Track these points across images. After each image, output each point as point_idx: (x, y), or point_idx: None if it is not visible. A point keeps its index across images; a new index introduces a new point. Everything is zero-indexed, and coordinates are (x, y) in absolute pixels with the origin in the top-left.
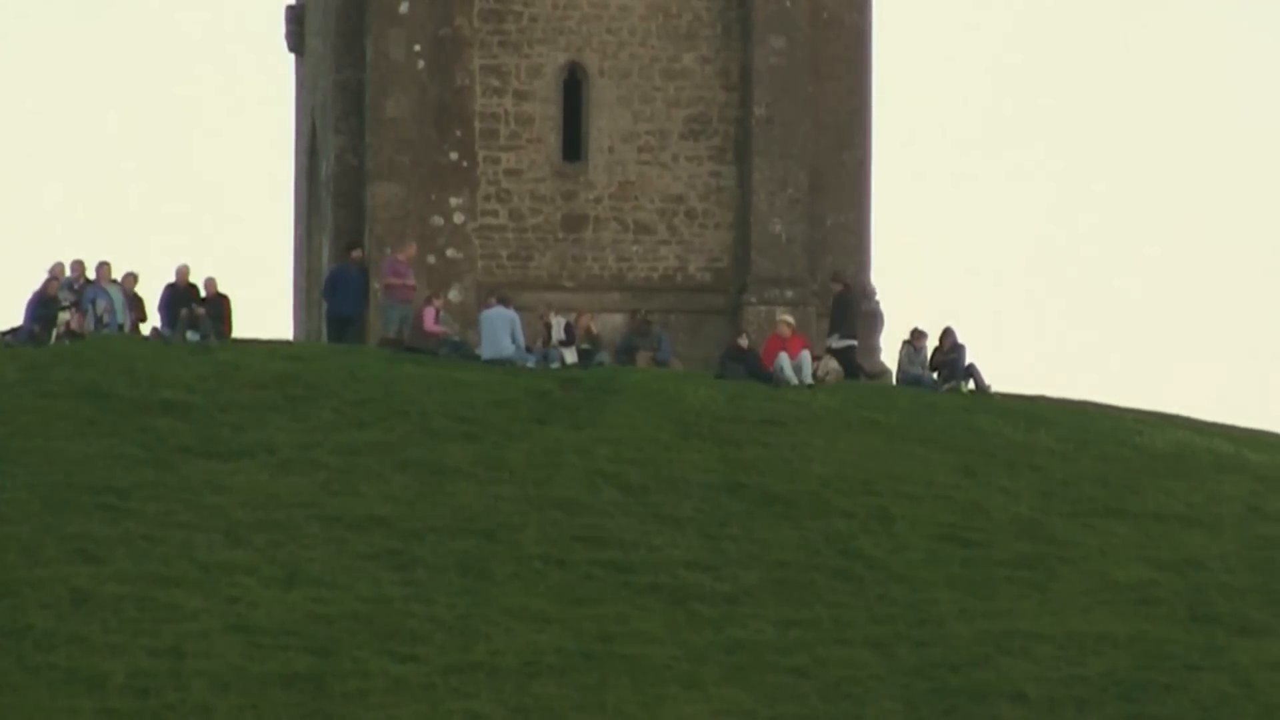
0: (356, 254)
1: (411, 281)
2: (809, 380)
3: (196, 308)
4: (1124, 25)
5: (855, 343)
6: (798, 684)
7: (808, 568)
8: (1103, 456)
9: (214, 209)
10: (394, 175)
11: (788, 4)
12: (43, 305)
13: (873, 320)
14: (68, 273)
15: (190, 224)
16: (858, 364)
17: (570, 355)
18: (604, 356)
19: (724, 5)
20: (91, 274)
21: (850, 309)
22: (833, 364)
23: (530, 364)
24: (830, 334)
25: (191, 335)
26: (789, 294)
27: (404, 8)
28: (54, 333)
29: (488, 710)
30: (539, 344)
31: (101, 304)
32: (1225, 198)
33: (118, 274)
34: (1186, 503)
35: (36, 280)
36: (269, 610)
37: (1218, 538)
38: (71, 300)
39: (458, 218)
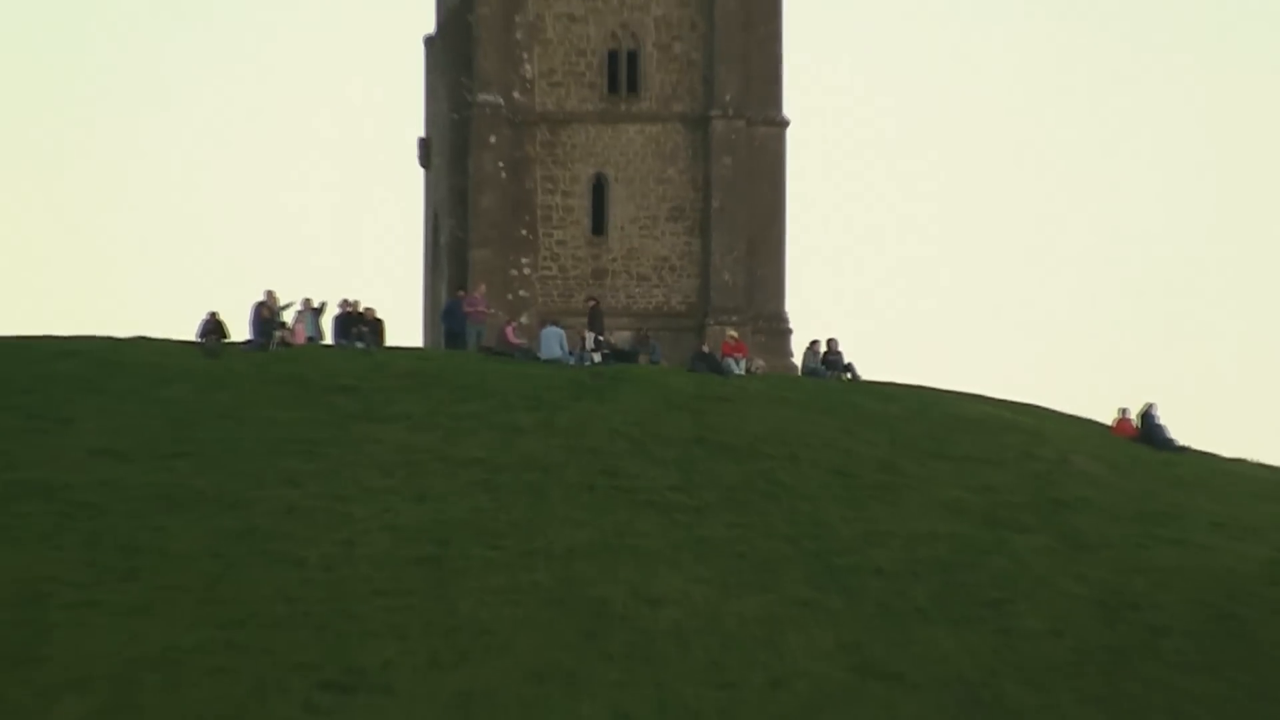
0: (462, 294)
1: (483, 308)
2: (744, 372)
3: (362, 327)
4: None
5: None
6: (739, 564)
7: (747, 490)
8: (931, 420)
9: (376, 265)
10: (486, 244)
11: (733, 136)
12: (263, 324)
13: (785, 335)
14: (282, 300)
15: (359, 274)
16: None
17: (597, 358)
18: (615, 361)
19: (693, 138)
20: (291, 303)
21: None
22: (760, 361)
23: (571, 363)
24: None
25: (359, 345)
26: (734, 319)
27: (492, 139)
28: (271, 343)
29: (544, 580)
30: (577, 350)
31: (304, 325)
32: (1024, 227)
33: (315, 305)
34: (984, 449)
35: (245, 306)
36: (407, 517)
37: (1002, 471)
38: (280, 322)
39: (526, 271)
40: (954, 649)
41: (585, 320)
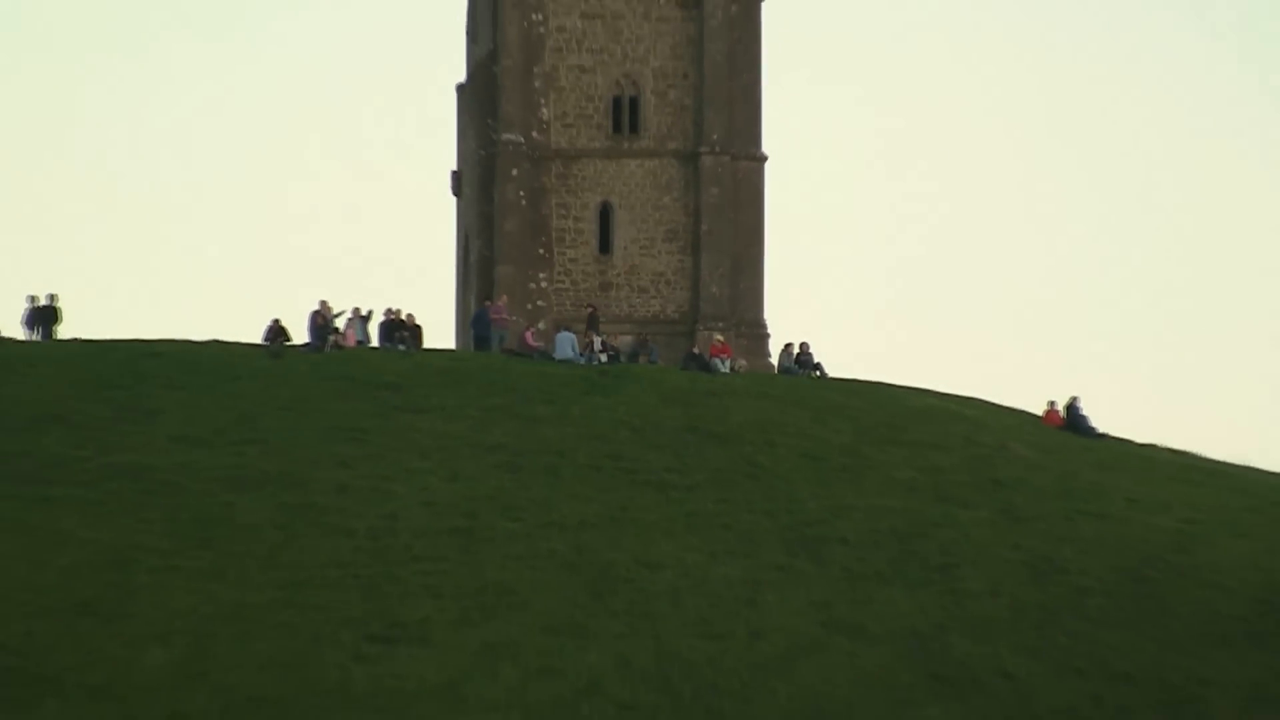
0: (488, 304)
1: (506, 316)
2: (728, 371)
3: (403, 332)
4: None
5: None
6: (724, 534)
7: (730, 472)
8: (889, 411)
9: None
10: (509, 261)
11: (719, 170)
12: (320, 329)
13: (764, 339)
14: (335, 309)
15: (401, 286)
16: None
17: (604, 358)
18: (622, 359)
19: (685, 171)
20: (343, 311)
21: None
22: (742, 361)
23: (582, 363)
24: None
25: (400, 347)
26: (720, 325)
27: (514, 172)
28: (326, 346)
29: (559, 547)
30: (587, 352)
31: (354, 330)
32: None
33: (363, 313)
34: (933, 436)
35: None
36: (442, 494)
37: (949, 455)
38: (334, 327)
39: (543, 284)
40: (908, 607)
41: (584, 324)
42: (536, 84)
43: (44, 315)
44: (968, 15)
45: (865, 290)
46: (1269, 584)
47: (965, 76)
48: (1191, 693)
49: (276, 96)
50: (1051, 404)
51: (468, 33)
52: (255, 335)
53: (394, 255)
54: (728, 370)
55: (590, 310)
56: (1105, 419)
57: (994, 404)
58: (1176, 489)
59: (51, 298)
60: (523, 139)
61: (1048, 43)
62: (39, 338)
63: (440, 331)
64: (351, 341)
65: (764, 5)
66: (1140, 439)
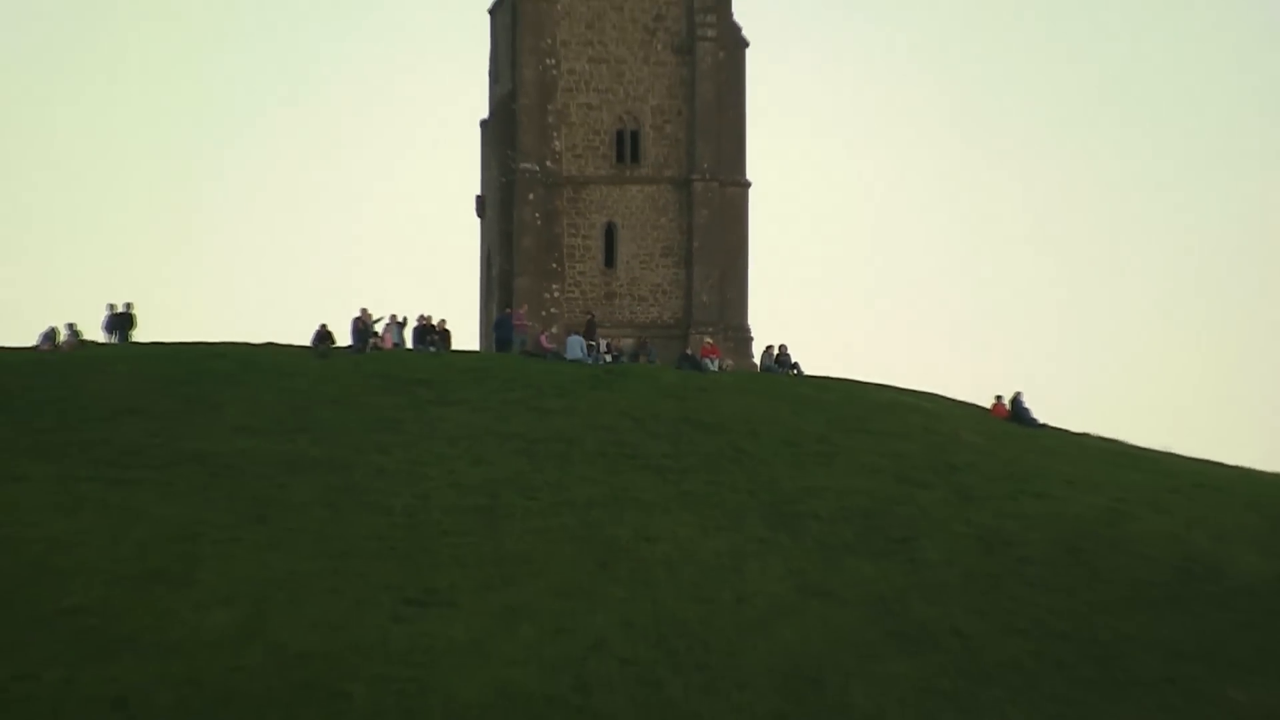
0: (508, 311)
1: (527, 322)
2: (717, 369)
3: (434, 335)
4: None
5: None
6: (713, 511)
7: (719, 457)
8: (856, 404)
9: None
10: (526, 274)
11: (709, 195)
12: (361, 333)
13: (748, 342)
14: (374, 315)
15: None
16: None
17: (609, 358)
18: (624, 361)
19: (679, 195)
20: (381, 317)
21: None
22: (729, 361)
23: (589, 362)
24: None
25: (431, 349)
26: (709, 329)
27: (531, 196)
28: (366, 347)
29: (569, 523)
30: (594, 353)
31: (391, 334)
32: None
33: (399, 319)
34: (895, 426)
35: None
36: (467, 476)
37: (909, 442)
38: (373, 331)
39: (555, 294)
40: (873, 574)
41: (584, 328)
42: (550, 120)
43: (121, 321)
44: (924, 58)
45: (837, 298)
46: (1187, 554)
47: (915, 116)
48: (1119, 649)
49: (327, 134)
50: (998, 398)
51: (490, 75)
52: (305, 339)
53: (426, 268)
54: (716, 369)
55: (589, 317)
56: (1045, 411)
57: (948, 398)
58: (1107, 472)
59: (128, 306)
60: (538, 167)
61: (989, 84)
62: (117, 340)
63: (466, 335)
64: (389, 344)
65: (748, 52)
66: (1075, 428)
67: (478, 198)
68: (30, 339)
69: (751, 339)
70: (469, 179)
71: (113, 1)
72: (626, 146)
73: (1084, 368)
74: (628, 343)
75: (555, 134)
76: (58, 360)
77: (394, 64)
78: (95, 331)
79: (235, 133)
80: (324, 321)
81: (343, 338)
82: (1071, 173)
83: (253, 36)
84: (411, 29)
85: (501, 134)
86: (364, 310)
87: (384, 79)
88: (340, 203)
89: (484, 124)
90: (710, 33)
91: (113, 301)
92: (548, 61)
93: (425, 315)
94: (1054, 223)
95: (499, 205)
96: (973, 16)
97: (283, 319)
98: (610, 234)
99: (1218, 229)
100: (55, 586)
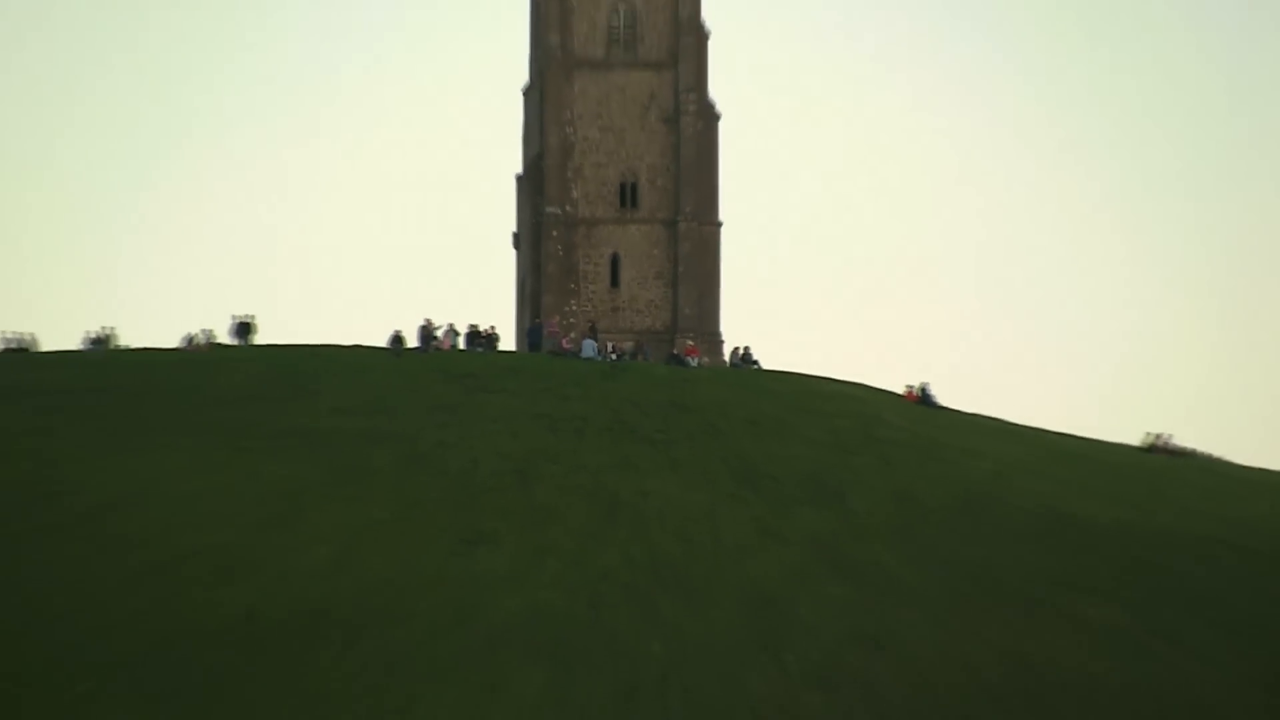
0: (538, 321)
1: (555, 330)
2: (696, 366)
3: (483, 339)
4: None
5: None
6: (694, 474)
7: (697, 433)
8: (802, 391)
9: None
10: (551, 293)
11: (690, 232)
12: (426, 337)
13: (719, 344)
14: (435, 322)
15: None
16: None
17: (614, 357)
18: (626, 359)
19: (668, 233)
20: (442, 325)
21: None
22: (705, 359)
23: (599, 360)
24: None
25: (480, 349)
26: (690, 335)
27: (554, 234)
28: (430, 349)
29: (585, 483)
30: (604, 353)
31: (449, 338)
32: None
33: (456, 328)
34: (834, 408)
35: (415, 327)
36: (506, 447)
37: (843, 420)
38: (435, 336)
39: (573, 308)
40: (815, 521)
41: (589, 333)
42: (569, 175)
43: (244, 329)
44: (859, 127)
45: (789, 310)
46: (1052, 507)
47: (853, 170)
48: (1004, 578)
49: (402, 186)
50: (909, 387)
51: (523, 140)
52: (383, 341)
53: (476, 288)
54: (696, 365)
55: (590, 325)
56: (946, 397)
57: (873, 387)
58: (993, 444)
59: (249, 316)
60: (560, 211)
61: (912, 141)
62: (241, 343)
63: (506, 340)
64: (446, 346)
65: (720, 123)
66: (968, 410)
67: (514, 234)
68: (174, 341)
69: (723, 342)
70: (508, 220)
71: (239, 39)
72: (627, 195)
73: (976, 364)
74: (628, 345)
75: (573, 186)
76: (196, 358)
77: (457, 134)
78: (224, 336)
79: (334, 190)
80: (398, 329)
81: (411, 341)
82: (968, 214)
83: (359, 120)
84: (464, 106)
85: (532, 186)
86: (428, 320)
87: (450, 145)
88: (413, 238)
89: (519, 178)
90: (691, 108)
91: (236, 313)
92: (567, 130)
93: (475, 324)
94: (956, 255)
95: (530, 240)
96: (902, 91)
97: (366, 326)
98: (615, 262)
99: (1083, 232)
100: (197, 528)
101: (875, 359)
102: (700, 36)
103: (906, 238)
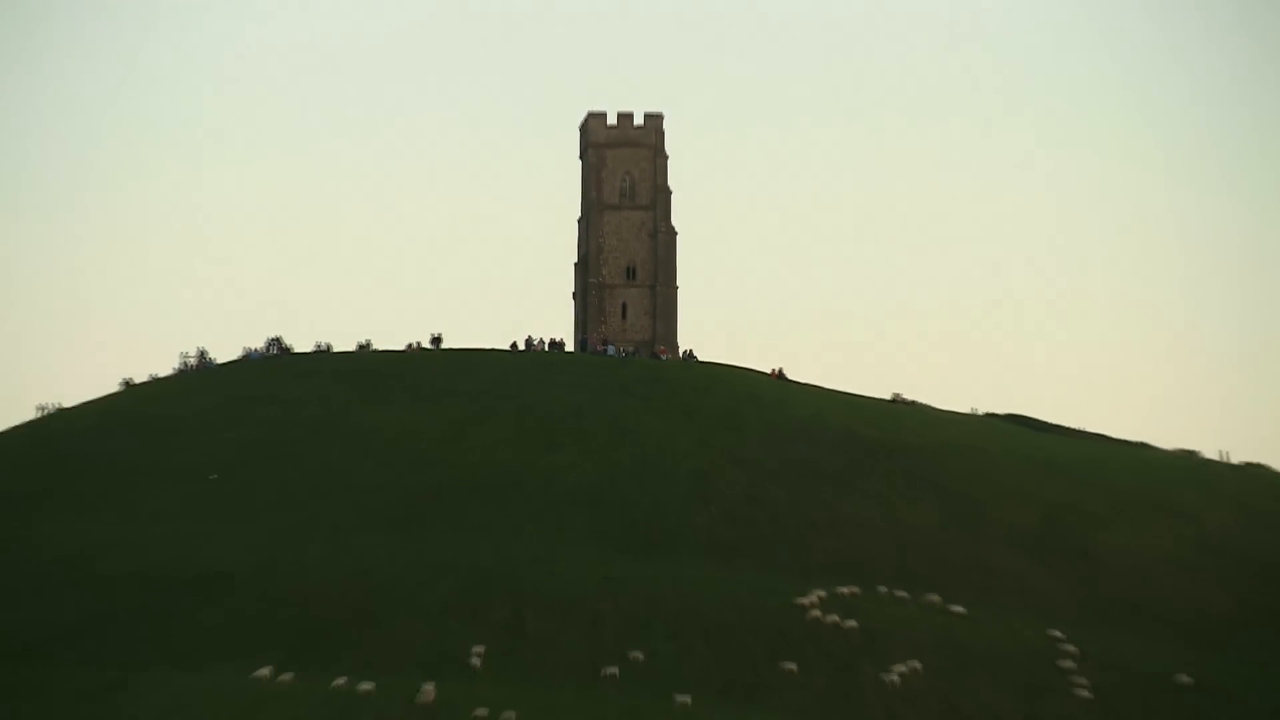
0: (584, 337)
1: (594, 340)
2: (665, 359)
3: (557, 346)
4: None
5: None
6: (664, 414)
7: (667, 393)
8: (717, 372)
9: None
10: (590, 322)
11: (660, 293)
12: (529, 344)
13: (678, 348)
14: (534, 337)
15: (557, 328)
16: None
17: (623, 355)
18: (629, 356)
19: (650, 293)
20: (535, 338)
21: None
22: (669, 356)
23: (616, 356)
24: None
25: (556, 351)
26: (663, 344)
27: (593, 293)
28: (531, 350)
29: (604, 423)
30: (618, 353)
31: (541, 346)
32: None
33: (543, 339)
34: (732, 379)
35: (521, 337)
36: (571, 405)
37: (735, 386)
38: (532, 343)
39: (602, 329)
40: (735, 440)
41: (610, 343)
42: (601, 262)
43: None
44: (801, 203)
45: (724, 330)
46: (851, 433)
47: (789, 235)
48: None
49: (520, 271)
50: (774, 369)
51: (578, 244)
52: (506, 345)
53: (555, 319)
54: (665, 360)
55: (602, 338)
56: (800, 376)
57: (759, 371)
58: (808, 400)
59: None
60: (596, 280)
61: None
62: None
63: (570, 346)
64: (538, 349)
65: (678, 238)
66: (801, 380)
67: (573, 293)
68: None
69: (679, 347)
70: (567, 285)
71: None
72: (630, 273)
73: (881, 349)
74: (630, 349)
75: (603, 268)
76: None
77: (546, 243)
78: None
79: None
80: (514, 339)
81: (521, 345)
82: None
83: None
84: (546, 226)
85: (583, 267)
86: (530, 336)
87: (541, 248)
88: (520, 295)
89: (576, 264)
90: (663, 227)
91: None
92: (600, 240)
93: (555, 337)
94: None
95: (581, 296)
96: (849, 161)
97: (497, 335)
98: (624, 307)
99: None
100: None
101: (761, 349)
102: (666, 192)
103: (842, 274)
